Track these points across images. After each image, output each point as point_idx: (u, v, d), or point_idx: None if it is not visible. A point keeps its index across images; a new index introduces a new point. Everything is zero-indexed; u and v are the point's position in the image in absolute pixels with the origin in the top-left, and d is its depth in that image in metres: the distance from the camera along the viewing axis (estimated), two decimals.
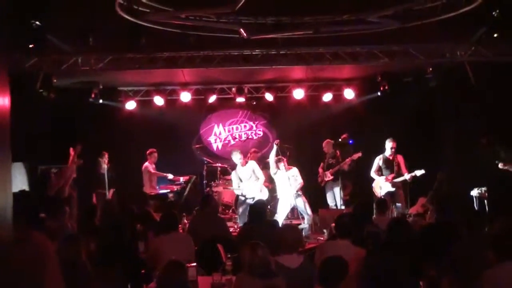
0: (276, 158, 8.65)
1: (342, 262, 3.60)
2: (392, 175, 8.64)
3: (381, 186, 8.69)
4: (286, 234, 4.33)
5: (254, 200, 7.87)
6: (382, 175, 8.75)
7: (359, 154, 9.17)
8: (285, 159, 8.82)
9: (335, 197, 9.34)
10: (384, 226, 4.49)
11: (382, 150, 8.92)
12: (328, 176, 9.38)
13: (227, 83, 10.76)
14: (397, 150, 8.75)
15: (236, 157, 8.97)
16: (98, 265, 4.24)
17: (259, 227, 5.52)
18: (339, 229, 4.69)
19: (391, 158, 8.70)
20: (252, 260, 3.80)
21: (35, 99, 8.64)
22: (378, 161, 8.80)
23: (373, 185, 8.86)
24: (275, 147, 8.77)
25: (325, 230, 7.60)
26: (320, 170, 9.58)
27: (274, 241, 4.30)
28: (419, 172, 8.43)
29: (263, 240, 4.03)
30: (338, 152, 9.46)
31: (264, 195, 8.77)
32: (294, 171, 8.70)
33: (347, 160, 9.27)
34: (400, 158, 8.72)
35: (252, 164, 8.92)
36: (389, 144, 8.73)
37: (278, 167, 8.67)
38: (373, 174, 8.85)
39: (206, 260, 4.99)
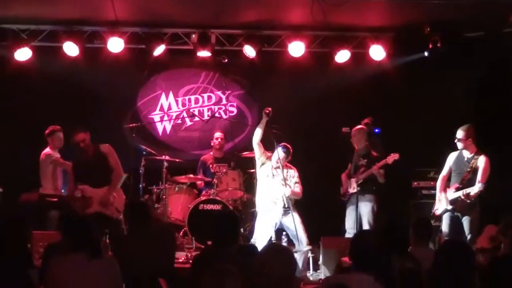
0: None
1: None
2: (456, 185, 8.64)
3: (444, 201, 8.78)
4: (272, 262, 4.25)
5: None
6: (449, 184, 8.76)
7: (396, 157, 9.11)
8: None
9: (358, 220, 9.24)
10: (427, 263, 4.68)
11: (430, 145, 9.28)
12: (353, 186, 9.30)
13: (184, 25, 10.82)
14: (479, 146, 8.63)
15: None
16: None
17: (228, 253, 5.55)
18: (357, 256, 4.67)
19: (468, 157, 8.65)
20: None
21: None
22: (449, 160, 8.81)
23: (436, 201, 8.90)
24: (264, 117, 8.94)
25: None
26: (344, 177, 9.65)
27: (253, 273, 4.25)
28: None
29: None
30: (370, 148, 9.50)
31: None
32: (294, 172, 9.06)
33: (377, 164, 9.21)
34: (482, 161, 8.59)
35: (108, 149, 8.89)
36: (460, 134, 8.60)
37: (267, 156, 8.95)
38: (439, 182, 8.87)
39: None
